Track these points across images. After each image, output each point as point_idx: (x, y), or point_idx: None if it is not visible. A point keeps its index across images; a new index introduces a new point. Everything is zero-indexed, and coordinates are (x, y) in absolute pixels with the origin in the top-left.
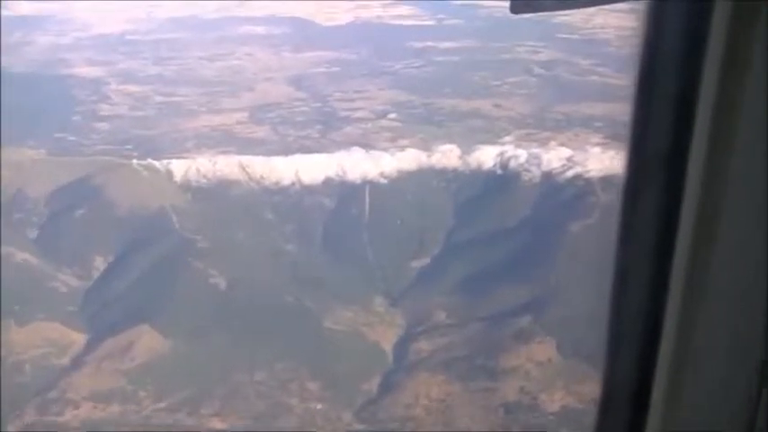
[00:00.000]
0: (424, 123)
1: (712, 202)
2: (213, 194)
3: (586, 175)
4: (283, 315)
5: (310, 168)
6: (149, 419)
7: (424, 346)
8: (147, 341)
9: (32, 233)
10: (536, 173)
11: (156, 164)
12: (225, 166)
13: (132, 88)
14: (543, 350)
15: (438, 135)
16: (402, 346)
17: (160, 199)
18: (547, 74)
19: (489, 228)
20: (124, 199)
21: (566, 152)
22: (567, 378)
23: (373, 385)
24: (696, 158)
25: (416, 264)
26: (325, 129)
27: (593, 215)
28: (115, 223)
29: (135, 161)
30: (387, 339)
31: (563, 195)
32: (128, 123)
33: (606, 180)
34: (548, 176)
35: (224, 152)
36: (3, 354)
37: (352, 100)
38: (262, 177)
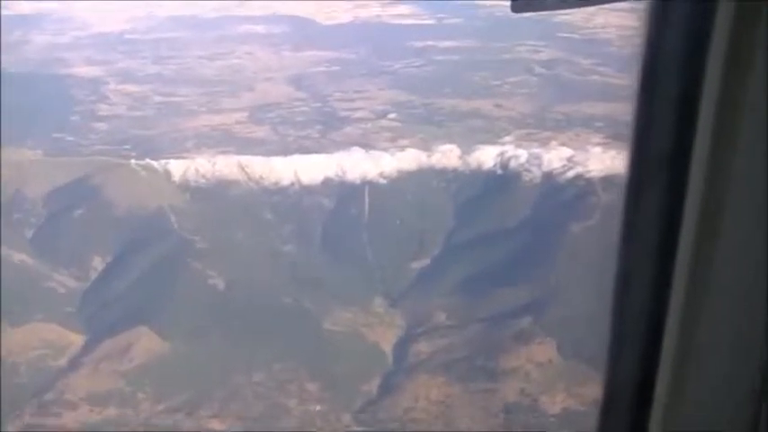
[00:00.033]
0: (424, 123)
1: (715, 202)
2: (212, 195)
3: (587, 176)
4: (282, 316)
5: (310, 168)
6: (148, 421)
7: (423, 347)
8: (145, 342)
9: (30, 233)
10: (536, 173)
11: (155, 164)
12: (224, 166)
13: (131, 88)
14: (544, 351)
15: (438, 135)
16: (402, 347)
17: (158, 199)
18: (547, 73)
19: (489, 228)
20: (122, 199)
21: (566, 152)
22: (567, 379)
23: (373, 386)
24: (699, 158)
25: (416, 264)
26: (324, 129)
27: (594, 216)
28: (113, 224)
29: (133, 161)
30: (386, 340)
31: (563, 195)
32: (126, 123)
33: (607, 180)
34: (548, 177)
35: (223, 152)
36: (1, 354)
37: (352, 100)
38: (261, 177)
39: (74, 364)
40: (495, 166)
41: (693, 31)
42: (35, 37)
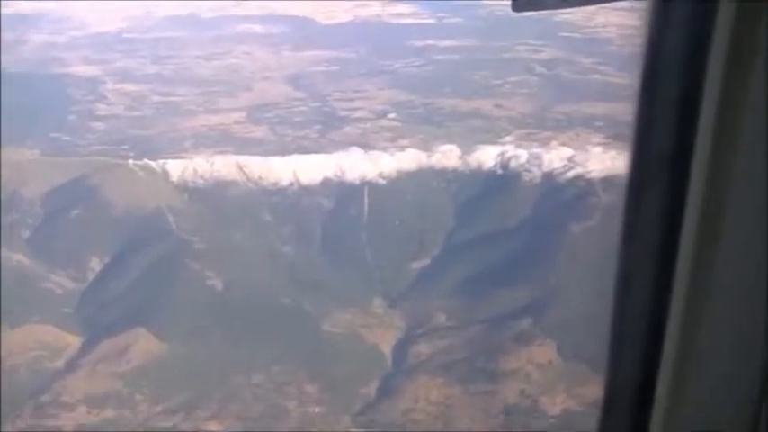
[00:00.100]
0: (424, 123)
1: (716, 202)
2: (210, 195)
3: (587, 176)
4: (281, 317)
5: (308, 169)
6: (146, 423)
7: (423, 348)
8: (143, 343)
9: (27, 234)
10: (537, 173)
11: (153, 164)
12: (222, 166)
13: (129, 87)
14: (544, 352)
15: (438, 135)
16: (401, 348)
17: (156, 199)
18: (548, 73)
19: (489, 229)
20: (120, 199)
21: (567, 152)
22: (567, 381)
23: (372, 388)
24: (700, 158)
25: (416, 265)
26: (323, 129)
27: (594, 216)
28: (111, 224)
29: (131, 161)
30: (386, 342)
31: (564, 196)
32: (124, 123)
33: (607, 180)
34: (548, 177)
35: (221, 152)
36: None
37: (352, 99)
38: (260, 178)
39: (71, 366)
40: (495, 166)
41: (694, 32)
42: (32, 36)
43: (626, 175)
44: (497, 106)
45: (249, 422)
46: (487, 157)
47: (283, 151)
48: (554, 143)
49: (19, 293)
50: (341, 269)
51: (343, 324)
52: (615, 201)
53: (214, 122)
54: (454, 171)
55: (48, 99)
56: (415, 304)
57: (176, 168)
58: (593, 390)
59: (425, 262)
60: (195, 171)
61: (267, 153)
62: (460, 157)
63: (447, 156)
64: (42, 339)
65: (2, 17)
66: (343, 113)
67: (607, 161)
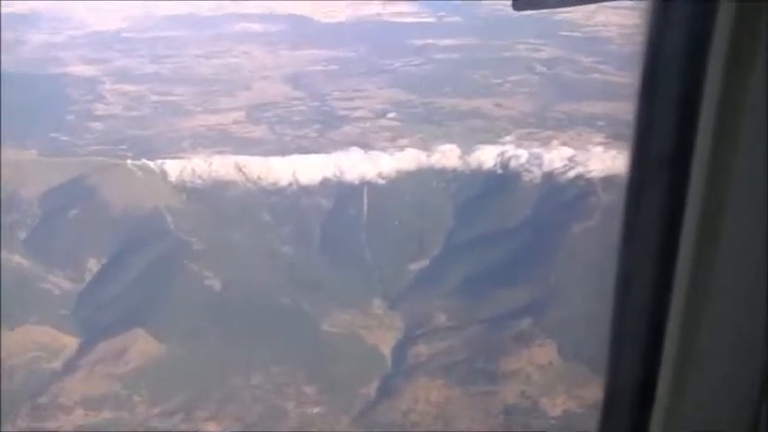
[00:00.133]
0: (424, 123)
1: (716, 202)
2: (209, 195)
3: (588, 176)
4: (280, 318)
5: (308, 169)
6: (144, 425)
7: (423, 349)
8: (141, 345)
9: (24, 234)
10: (537, 173)
11: (151, 164)
12: (221, 166)
13: (127, 87)
14: (544, 353)
15: (438, 134)
16: (401, 349)
17: (155, 200)
18: (548, 72)
19: (489, 229)
20: (118, 200)
21: (567, 152)
22: (568, 381)
23: (371, 389)
24: (700, 158)
25: (415, 265)
26: (323, 128)
27: (595, 216)
28: (109, 224)
29: (129, 161)
30: (385, 342)
31: (564, 196)
32: (122, 123)
33: (608, 180)
34: (549, 177)
35: (220, 152)
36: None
37: (351, 99)
38: (258, 178)
39: (68, 367)
40: (495, 165)
41: (695, 31)
42: (31, 36)
43: (626, 174)
44: (497, 105)
45: (248, 424)
46: (487, 156)
47: (282, 151)
48: (554, 143)
49: (16, 294)
50: (340, 269)
51: (343, 325)
52: (615, 201)
53: (213, 122)
54: (454, 171)
55: (46, 99)
56: (414, 305)
57: (175, 168)
58: (594, 391)
59: (425, 262)
60: (194, 171)
61: (266, 153)
62: (460, 157)
63: (447, 155)
64: (40, 340)
65: (0, 17)
66: (342, 113)
67: (608, 161)
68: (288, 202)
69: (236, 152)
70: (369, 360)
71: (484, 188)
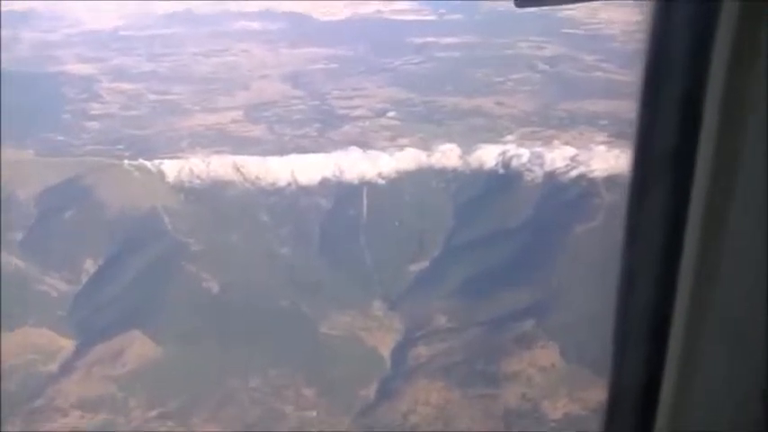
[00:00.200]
0: (424, 122)
1: (720, 202)
2: (207, 195)
3: (590, 175)
4: (278, 319)
5: (307, 169)
6: (140, 428)
7: (422, 351)
8: (138, 347)
9: (20, 235)
10: (539, 173)
11: (148, 164)
12: (219, 166)
13: (124, 86)
14: (546, 355)
15: (438, 134)
16: (400, 351)
17: (152, 200)
18: (550, 70)
19: (490, 229)
20: (115, 200)
21: (569, 151)
22: (570, 384)
23: (371, 392)
24: (703, 157)
25: (415, 266)
26: (322, 127)
27: (597, 216)
28: (105, 225)
29: (126, 161)
30: (385, 344)
31: (566, 196)
32: (119, 122)
33: (611, 180)
34: (551, 176)
35: (218, 152)
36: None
37: (351, 98)
38: (257, 178)
39: (65, 370)
40: (496, 165)
41: (698, 29)
42: (27, 34)
43: (629, 174)
44: (499, 104)
45: (245, 426)
46: (488, 156)
47: (281, 151)
48: (556, 142)
49: (12, 296)
50: (339, 271)
51: (342, 326)
52: (618, 200)
53: (211, 121)
54: (454, 171)
55: (42, 98)
56: (414, 306)
57: (172, 168)
58: (596, 393)
59: (425, 263)
60: (191, 171)
61: (265, 152)
62: (461, 157)
63: (447, 155)
64: (36, 342)
65: (0, 16)
66: (342, 112)
67: (610, 160)
68: (287, 203)
69: (235, 152)
70: (368, 362)
71: (485, 188)
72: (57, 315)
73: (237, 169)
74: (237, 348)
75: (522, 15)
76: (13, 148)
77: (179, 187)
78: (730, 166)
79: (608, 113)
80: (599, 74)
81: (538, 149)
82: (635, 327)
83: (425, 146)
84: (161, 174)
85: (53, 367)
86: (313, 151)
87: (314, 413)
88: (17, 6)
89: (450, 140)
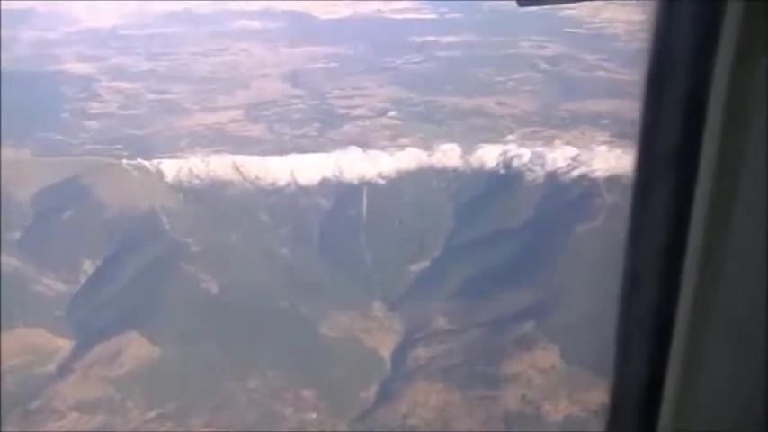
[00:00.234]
0: (425, 122)
1: (724, 201)
2: (206, 195)
3: (592, 175)
4: (277, 320)
5: (306, 168)
6: (138, 429)
7: (422, 352)
8: (135, 348)
9: (18, 235)
10: (540, 173)
11: (147, 164)
12: (218, 166)
13: (123, 85)
14: (546, 357)
15: (439, 134)
16: (400, 352)
17: (150, 200)
18: (552, 70)
19: (491, 230)
20: (113, 200)
21: (571, 151)
22: (571, 386)
23: (370, 393)
24: (707, 156)
25: (415, 267)
26: (322, 127)
27: (599, 216)
28: (104, 225)
29: (125, 161)
30: (384, 346)
31: (568, 196)
32: (118, 122)
33: (612, 180)
34: (552, 176)
35: (217, 152)
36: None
37: (351, 97)
38: (256, 178)
39: (62, 371)
40: (497, 165)
41: (702, 28)
42: (25, 33)
43: (632, 173)
44: (500, 104)
45: (244, 428)
46: (489, 156)
47: (281, 150)
48: (558, 142)
49: (9, 296)
50: (339, 271)
51: (342, 327)
52: (620, 201)
53: (210, 121)
54: (455, 171)
55: (40, 97)
56: (414, 307)
57: (171, 168)
58: (597, 395)
59: (425, 264)
60: (190, 171)
61: (264, 152)
62: (462, 157)
63: (448, 155)
64: (33, 343)
65: (0, 15)
66: (342, 111)
67: (612, 160)
68: (286, 203)
69: (234, 151)
70: (368, 363)
71: (486, 188)
72: (54, 315)
73: (237, 169)
74: (236, 349)
75: (523, 14)
76: (12, 147)
77: (178, 187)
78: (734, 166)
79: (610, 113)
80: (601, 73)
81: (539, 149)
82: (638, 327)
83: (426, 145)
84: (160, 173)
85: (50, 368)
86: (313, 151)
87: (313, 415)
88: (16, 6)
89: (451, 140)
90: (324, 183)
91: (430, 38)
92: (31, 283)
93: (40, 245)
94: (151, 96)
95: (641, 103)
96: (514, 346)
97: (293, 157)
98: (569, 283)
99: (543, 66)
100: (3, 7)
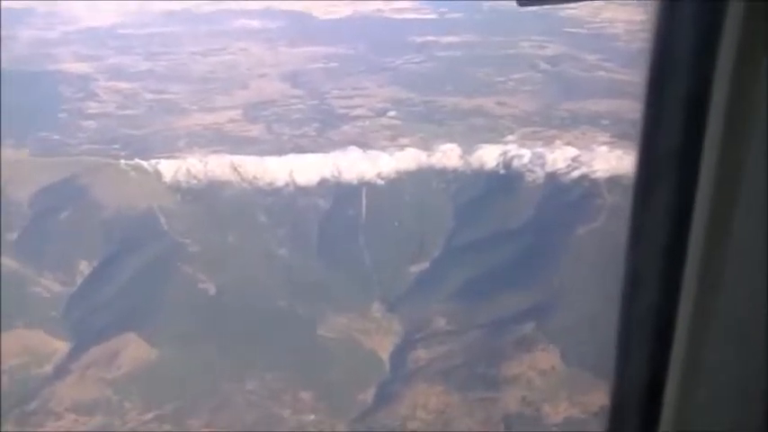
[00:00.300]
0: (425, 122)
1: (725, 202)
2: (204, 196)
3: (593, 176)
4: (276, 321)
5: (305, 169)
6: (135, 431)
7: (422, 354)
8: (133, 349)
9: (14, 236)
10: (540, 173)
11: (145, 164)
12: (216, 166)
13: (121, 85)
14: (547, 358)
15: (439, 134)
16: (399, 354)
17: (148, 200)
18: (552, 70)
19: (491, 230)
20: (111, 200)
21: (571, 151)
22: (571, 388)
23: (369, 395)
24: (709, 157)
25: (415, 268)
26: (321, 127)
27: (600, 217)
28: (101, 226)
29: (123, 161)
30: (384, 347)
31: (568, 196)
32: (116, 121)
33: (613, 181)
34: (552, 177)
35: (216, 152)
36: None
37: (350, 97)
38: (255, 178)
39: (59, 372)
40: (497, 165)
41: (703, 28)
42: (23, 32)
43: (633, 173)
44: (500, 104)
45: (242, 430)
46: (489, 156)
47: (280, 150)
48: (558, 142)
49: (6, 297)
50: (338, 272)
51: (340, 329)
52: (621, 201)
53: (209, 121)
54: (455, 171)
55: (37, 96)
56: (413, 308)
57: (169, 168)
58: (597, 397)
59: (425, 265)
60: (188, 171)
61: (263, 152)
62: (461, 157)
63: (448, 155)
64: (30, 344)
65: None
66: (341, 111)
67: (613, 161)
68: (284, 203)
69: (233, 152)
70: (367, 365)
71: (485, 189)
72: (51, 317)
73: (235, 169)
74: (234, 351)
75: (523, 14)
76: (11, 147)
77: (176, 187)
78: (735, 166)
79: (610, 113)
80: (601, 73)
81: (539, 150)
82: (639, 329)
83: (426, 146)
84: (158, 174)
85: (47, 369)
86: (312, 151)
87: (311, 417)
88: (15, 4)
89: (451, 140)
90: (323, 183)
91: (430, 38)
92: (27, 284)
93: (36, 245)
94: (149, 96)
95: (642, 103)
96: (514, 348)
97: (292, 157)
98: (570, 284)
99: (543, 66)
100: (2, 7)
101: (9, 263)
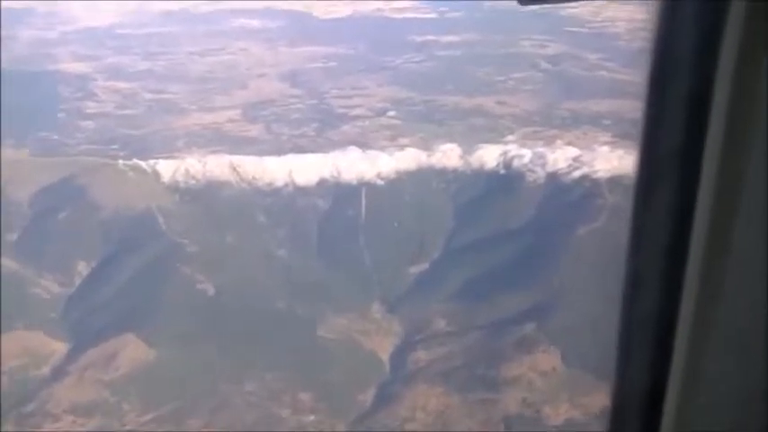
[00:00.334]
0: (425, 121)
1: (727, 202)
2: (202, 196)
3: (594, 176)
4: (275, 322)
5: (304, 169)
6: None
7: (422, 355)
8: (131, 350)
9: (13, 236)
10: (541, 173)
11: (143, 164)
12: (215, 166)
13: (120, 85)
14: (547, 359)
15: (439, 134)
16: (399, 355)
17: (147, 201)
18: (553, 69)
19: (491, 231)
20: (109, 201)
21: (572, 151)
22: (571, 389)
23: (369, 396)
24: (710, 157)
25: (415, 269)
26: (321, 127)
27: (601, 218)
28: (99, 226)
29: (121, 161)
30: (383, 348)
31: (569, 197)
32: (114, 122)
33: (614, 181)
34: (553, 177)
35: (214, 152)
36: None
37: (350, 97)
38: (254, 178)
39: (57, 374)
40: (497, 165)
41: (705, 28)
42: (22, 32)
43: (634, 173)
44: (500, 103)
45: (242, 431)
46: (490, 156)
47: (279, 150)
48: (559, 142)
49: (4, 298)
50: (337, 272)
51: (340, 329)
52: (622, 202)
53: (207, 121)
54: (455, 171)
55: (36, 96)
56: (413, 309)
57: (168, 168)
58: (598, 398)
59: (425, 265)
60: (187, 171)
61: (262, 152)
62: (462, 157)
63: (448, 155)
64: (28, 346)
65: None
66: (341, 111)
67: (614, 161)
68: (284, 203)
69: (232, 152)
70: (366, 366)
71: (486, 189)
72: (49, 317)
73: (234, 169)
74: (233, 351)
75: (524, 13)
76: (11, 147)
77: (174, 187)
78: (737, 166)
79: (612, 113)
80: (603, 73)
81: (540, 150)
82: (640, 330)
83: (426, 146)
84: (156, 174)
85: (45, 371)
86: (311, 151)
87: (311, 418)
88: (14, 4)
89: (451, 140)
90: (322, 183)
91: (430, 37)
92: (26, 284)
93: (35, 246)
94: (148, 96)
95: (643, 103)
96: (515, 349)
97: (291, 157)
98: (570, 284)
99: (544, 65)
100: (2, 7)
101: (9, 264)
